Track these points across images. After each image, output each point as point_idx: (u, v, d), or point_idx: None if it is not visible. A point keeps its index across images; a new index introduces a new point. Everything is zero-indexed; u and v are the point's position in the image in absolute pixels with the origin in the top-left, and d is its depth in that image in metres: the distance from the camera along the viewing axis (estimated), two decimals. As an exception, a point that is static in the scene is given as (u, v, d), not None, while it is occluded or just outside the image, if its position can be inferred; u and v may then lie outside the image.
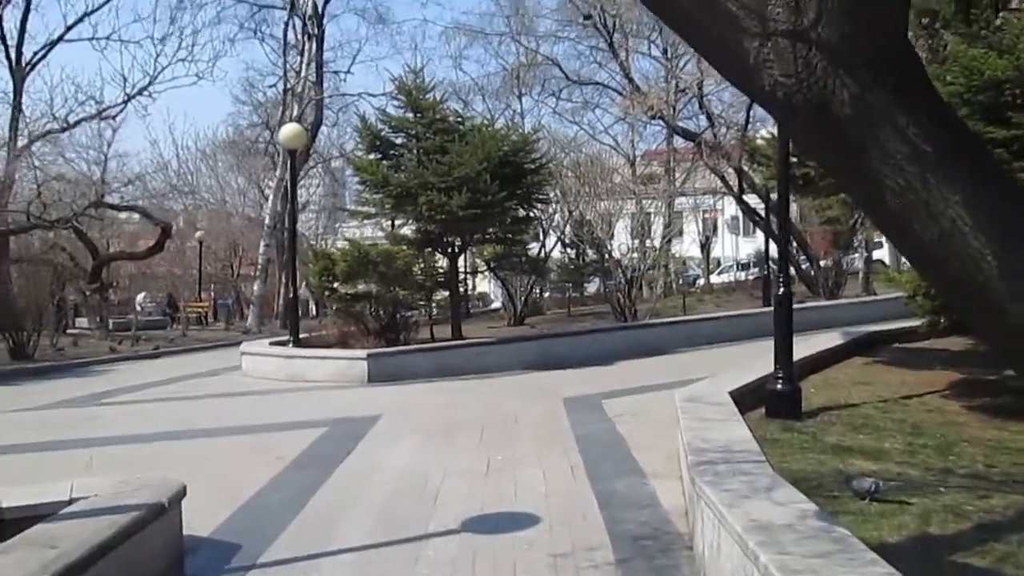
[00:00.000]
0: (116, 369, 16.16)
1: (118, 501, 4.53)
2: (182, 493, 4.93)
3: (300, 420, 9.31)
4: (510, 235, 15.08)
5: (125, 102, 22.80)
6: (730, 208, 49.02)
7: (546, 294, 24.97)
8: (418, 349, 13.09)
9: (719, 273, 44.42)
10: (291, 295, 14.85)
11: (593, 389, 10.80)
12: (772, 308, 17.82)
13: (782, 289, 7.58)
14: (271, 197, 26.67)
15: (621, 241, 19.62)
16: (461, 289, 23.69)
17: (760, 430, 6.64)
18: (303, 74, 25.80)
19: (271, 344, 14.28)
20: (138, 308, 36.27)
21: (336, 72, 30.64)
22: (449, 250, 14.57)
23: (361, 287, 15.06)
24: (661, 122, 27.01)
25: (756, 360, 10.73)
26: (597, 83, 25.32)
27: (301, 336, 16.99)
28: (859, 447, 6.33)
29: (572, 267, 24.23)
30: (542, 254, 21.29)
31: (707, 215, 47.48)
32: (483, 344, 13.47)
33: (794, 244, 24.67)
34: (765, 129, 15.33)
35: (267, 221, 26.19)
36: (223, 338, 24.63)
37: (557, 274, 22.09)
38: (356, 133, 15.63)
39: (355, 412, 9.71)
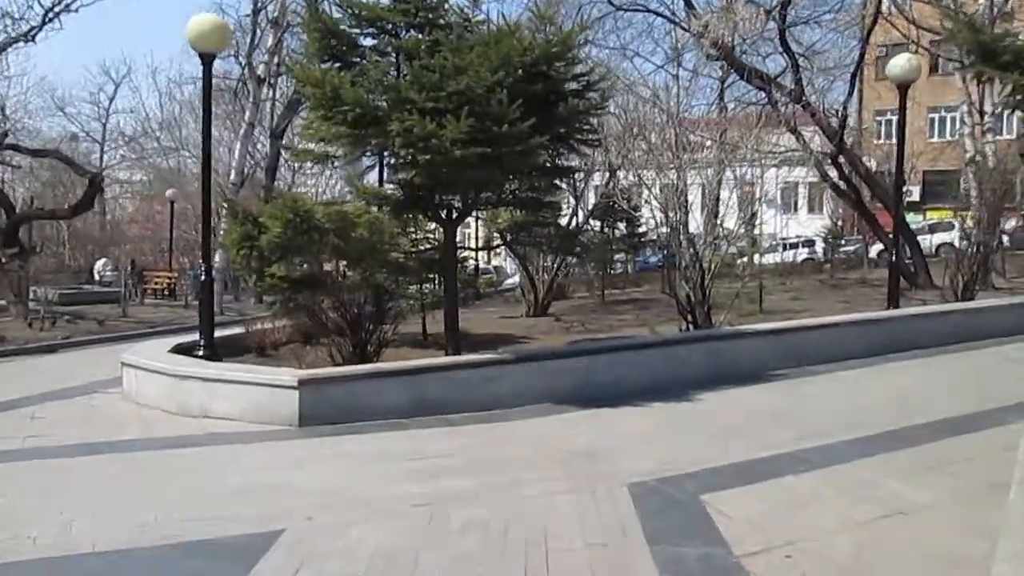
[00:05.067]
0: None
1: None
2: None
3: (94, 550, 4.48)
4: (533, 194, 9.94)
5: (44, 21, 17.89)
6: (770, 181, 44.38)
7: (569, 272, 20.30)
8: (385, 372, 8.14)
9: (761, 254, 39.96)
10: (203, 274, 9.80)
11: (679, 463, 5.94)
12: (902, 313, 12.40)
13: None
14: (237, 147, 21.74)
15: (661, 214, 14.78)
16: (469, 267, 18.91)
17: None
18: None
19: (171, 351, 9.35)
20: (96, 276, 31.75)
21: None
22: (443, 213, 9.48)
23: (313, 267, 10.33)
24: (718, 68, 21.95)
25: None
26: (648, 10, 20.08)
27: (247, 327, 12.38)
28: None
29: (597, 241, 19.49)
30: (573, 225, 16.39)
31: (747, 189, 42.64)
32: (492, 363, 8.47)
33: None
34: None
35: (232, 177, 21.18)
36: (172, 320, 19.96)
37: (595, 252, 17.15)
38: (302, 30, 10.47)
39: (230, 522, 4.90)
